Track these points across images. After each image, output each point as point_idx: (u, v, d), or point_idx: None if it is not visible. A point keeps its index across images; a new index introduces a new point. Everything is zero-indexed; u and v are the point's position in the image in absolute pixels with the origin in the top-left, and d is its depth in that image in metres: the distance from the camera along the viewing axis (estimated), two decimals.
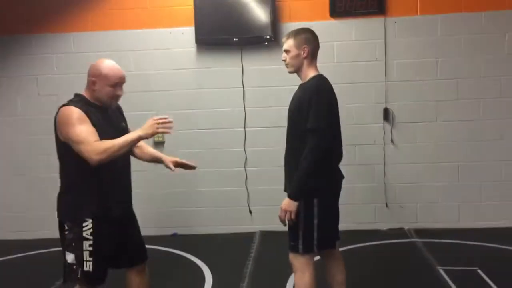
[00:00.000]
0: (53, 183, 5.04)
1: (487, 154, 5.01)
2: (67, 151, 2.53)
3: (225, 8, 4.85)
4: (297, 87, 4.83)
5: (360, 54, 4.99)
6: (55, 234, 4.88)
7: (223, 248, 4.77)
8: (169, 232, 5.14)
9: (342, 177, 2.97)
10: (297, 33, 2.77)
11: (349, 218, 5.09)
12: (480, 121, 4.98)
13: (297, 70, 2.80)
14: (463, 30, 4.91)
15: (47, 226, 5.16)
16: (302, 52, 2.73)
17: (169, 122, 2.51)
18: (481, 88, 4.94)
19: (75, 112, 2.50)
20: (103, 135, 2.49)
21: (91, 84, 2.62)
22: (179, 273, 4.11)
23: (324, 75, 4.91)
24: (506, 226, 4.97)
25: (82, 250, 2.55)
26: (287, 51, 2.77)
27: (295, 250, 2.68)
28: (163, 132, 2.53)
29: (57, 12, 5.08)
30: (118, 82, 2.62)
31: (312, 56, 2.78)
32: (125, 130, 2.73)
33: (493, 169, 5.01)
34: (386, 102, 4.99)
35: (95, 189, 2.58)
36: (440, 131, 5.01)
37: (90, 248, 2.55)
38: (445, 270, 3.84)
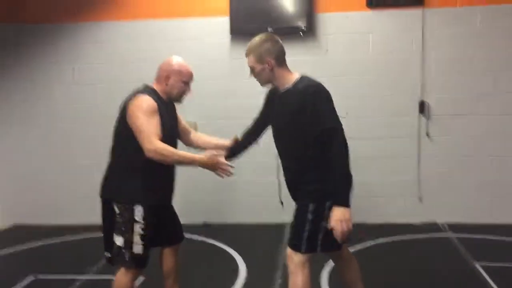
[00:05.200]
0: (89, 169, 5.21)
1: None
2: (130, 136, 2.62)
3: None
4: (334, 77, 4.80)
5: (396, 46, 4.91)
6: (92, 220, 5.02)
7: (254, 238, 4.79)
8: (200, 221, 5.19)
9: None
10: (254, 47, 2.57)
11: (380, 212, 5.08)
12: None
13: (271, 81, 2.64)
14: (502, 22, 4.79)
15: (83, 212, 5.28)
16: (267, 65, 2.55)
17: (231, 173, 2.69)
18: None
19: (151, 103, 2.63)
20: (161, 129, 2.65)
21: (165, 79, 2.75)
22: (213, 262, 4.15)
23: (359, 66, 4.92)
24: None
25: (133, 233, 2.65)
26: (252, 69, 2.61)
27: (296, 248, 2.55)
28: (219, 175, 2.70)
29: (93, 2, 5.15)
30: (190, 79, 2.81)
31: (280, 63, 2.59)
32: (173, 128, 2.86)
33: None
34: (422, 94, 4.91)
35: (149, 176, 2.68)
36: (477, 124, 4.91)
37: (141, 232, 2.66)
38: (482, 266, 3.77)
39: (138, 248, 2.66)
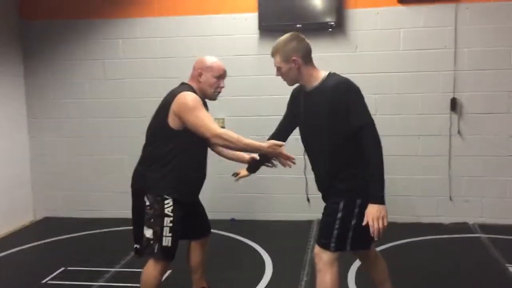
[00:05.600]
0: (119, 164, 5.29)
1: None
2: (171, 133, 2.72)
3: None
4: (363, 74, 4.75)
5: (428, 42, 4.81)
6: (122, 214, 5.09)
7: (281, 235, 4.78)
8: (227, 217, 5.21)
9: None
10: (280, 46, 2.56)
11: (410, 211, 5.00)
12: None
13: (298, 80, 2.62)
14: None
15: (111, 206, 5.38)
16: (294, 64, 2.53)
17: (293, 163, 2.69)
18: None
19: (196, 97, 2.73)
20: None
21: (197, 76, 2.84)
22: (240, 258, 4.16)
23: (389, 63, 4.84)
24: None
25: (162, 226, 2.71)
26: (278, 68, 2.59)
27: (326, 246, 2.52)
28: (281, 163, 2.72)
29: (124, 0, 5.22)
30: (221, 74, 2.88)
31: (307, 61, 2.56)
32: None
33: None
34: (454, 92, 4.80)
35: (181, 171, 2.77)
36: (510, 123, 4.78)
37: (171, 224, 2.72)
38: None
39: (167, 240, 2.71)
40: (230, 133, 2.66)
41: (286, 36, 2.60)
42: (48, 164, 5.51)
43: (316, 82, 2.56)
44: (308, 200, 5.07)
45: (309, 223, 4.95)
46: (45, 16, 5.32)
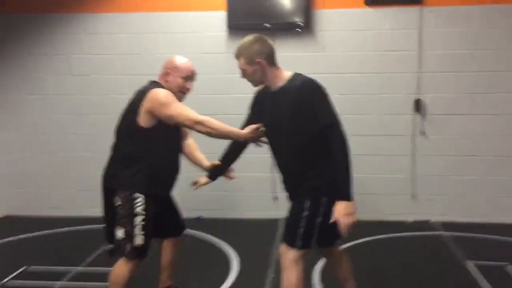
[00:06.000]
0: (82, 161, 5.19)
1: None
2: (140, 132, 2.70)
3: None
4: (330, 74, 4.80)
5: (393, 44, 4.90)
6: (84, 212, 5.01)
7: (248, 234, 4.79)
8: (194, 215, 5.18)
9: None
10: (244, 49, 2.57)
11: (373, 209, 5.09)
12: None
13: (263, 81, 2.63)
14: (501, 22, 4.78)
15: (75, 204, 5.28)
16: (258, 66, 2.55)
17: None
18: None
19: (167, 92, 2.72)
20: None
21: (165, 75, 2.83)
22: (207, 257, 4.15)
23: (356, 63, 4.91)
24: None
25: (134, 225, 2.68)
26: (243, 71, 2.61)
27: (291, 244, 2.53)
28: (258, 146, 2.79)
29: None
30: (189, 75, 2.85)
31: (271, 62, 2.58)
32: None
33: None
34: (418, 93, 4.92)
35: (152, 168, 2.74)
36: (473, 124, 4.92)
37: (143, 223, 2.70)
38: (474, 265, 3.79)
39: (139, 239, 2.69)
40: (212, 120, 2.67)
41: (249, 38, 2.61)
42: (10, 161, 5.37)
43: (281, 83, 2.57)
44: (275, 198, 5.10)
45: (275, 221, 4.97)
46: (9, 10, 5.17)
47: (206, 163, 3.11)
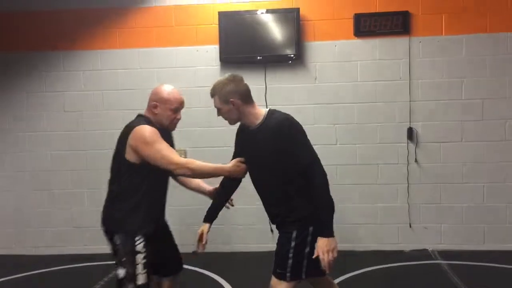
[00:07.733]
0: (76, 198, 5.16)
1: None
2: (130, 168, 2.65)
3: (249, 27, 4.91)
4: (322, 105, 4.83)
5: (384, 74, 4.98)
6: (79, 250, 4.93)
7: (244, 266, 4.74)
8: (188, 250, 5.11)
9: None
10: (218, 89, 2.61)
11: (371, 238, 5.06)
12: (506, 142, 4.93)
13: (239, 119, 2.67)
14: (488, 50, 4.89)
15: (71, 242, 5.22)
16: (232, 106, 2.58)
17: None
18: (507, 108, 4.91)
19: (152, 130, 2.64)
20: None
21: (152, 108, 2.76)
22: None
23: (347, 94, 4.97)
24: None
25: (135, 264, 2.63)
26: (218, 109, 2.66)
27: (281, 277, 2.55)
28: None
29: (84, 30, 5.18)
30: (178, 107, 2.80)
31: (246, 101, 2.61)
32: None
33: None
34: (410, 121, 4.96)
35: (146, 206, 2.71)
36: (465, 151, 4.96)
37: (144, 261, 2.65)
38: None
39: (142, 278, 2.64)
40: (194, 161, 2.67)
41: (223, 78, 2.66)
42: (5, 199, 5.32)
43: (257, 121, 2.61)
44: (272, 231, 5.05)
45: (272, 254, 4.91)
46: (4, 48, 5.22)
47: (208, 188, 3.08)
